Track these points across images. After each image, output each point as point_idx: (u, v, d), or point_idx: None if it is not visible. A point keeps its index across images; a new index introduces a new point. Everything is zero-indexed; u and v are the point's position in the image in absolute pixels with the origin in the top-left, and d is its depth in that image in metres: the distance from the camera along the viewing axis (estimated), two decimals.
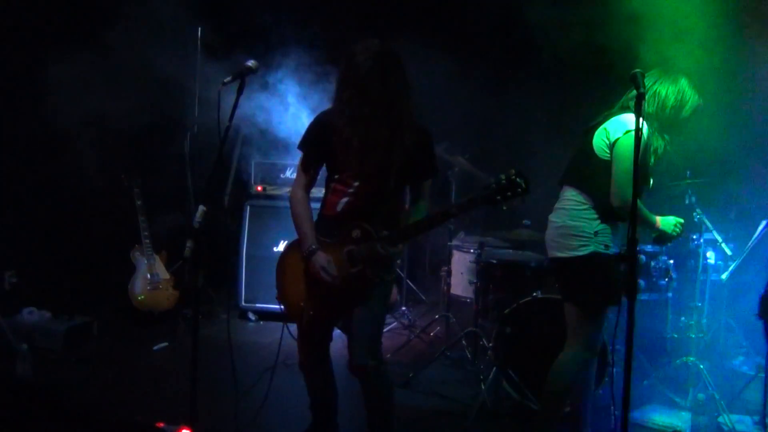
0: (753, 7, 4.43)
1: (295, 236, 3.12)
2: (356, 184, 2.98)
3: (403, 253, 3.00)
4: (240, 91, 2.96)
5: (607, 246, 3.16)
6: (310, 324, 3.06)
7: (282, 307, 3.16)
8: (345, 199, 3.00)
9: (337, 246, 2.97)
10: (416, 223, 2.90)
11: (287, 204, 3.19)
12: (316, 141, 3.06)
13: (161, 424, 3.40)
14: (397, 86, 2.86)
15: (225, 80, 2.96)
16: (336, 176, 3.05)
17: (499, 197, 2.59)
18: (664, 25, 4.13)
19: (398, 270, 6.10)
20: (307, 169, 3.11)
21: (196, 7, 5.36)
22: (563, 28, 4.81)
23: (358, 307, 2.95)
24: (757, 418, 3.88)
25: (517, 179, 2.55)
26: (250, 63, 2.97)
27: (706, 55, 4.07)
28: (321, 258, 2.93)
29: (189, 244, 2.77)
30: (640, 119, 2.57)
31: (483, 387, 4.04)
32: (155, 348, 4.97)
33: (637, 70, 2.73)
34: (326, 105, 3.15)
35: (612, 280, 3.18)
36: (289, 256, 3.16)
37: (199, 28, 3.82)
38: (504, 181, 2.59)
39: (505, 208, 2.60)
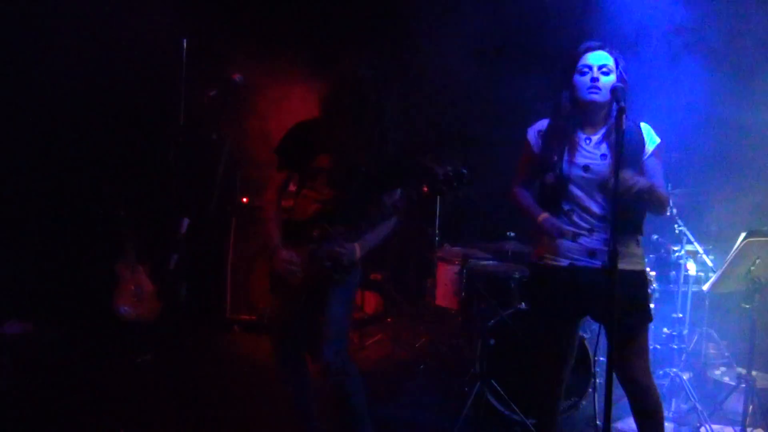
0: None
1: None
2: (327, 192, 3.04)
3: (358, 256, 3.01)
4: (225, 104, 3.01)
5: (540, 257, 3.02)
6: (279, 327, 3.13)
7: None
8: (315, 206, 3.06)
9: (300, 246, 3.03)
10: (371, 221, 2.97)
11: None
12: (291, 148, 3.11)
13: None
14: (376, 101, 2.92)
15: (210, 93, 3.01)
16: (308, 183, 3.10)
17: (444, 187, 2.68)
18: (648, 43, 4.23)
19: (383, 282, 6.15)
20: (281, 173, 3.16)
21: (181, 19, 5.41)
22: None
23: (320, 308, 3.00)
24: (738, 428, 3.87)
25: (462, 170, 2.66)
26: (236, 76, 3.02)
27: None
28: (284, 253, 2.99)
29: (173, 255, 2.80)
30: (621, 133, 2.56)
31: (467, 399, 4.01)
32: (138, 360, 4.87)
33: (617, 84, 2.75)
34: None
35: (536, 292, 3.12)
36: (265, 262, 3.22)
37: (184, 40, 3.86)
38: (451, 173, 2.68)
39: (445, 196, 2.73)
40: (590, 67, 2.83)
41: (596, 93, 2.82)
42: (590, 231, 2.87)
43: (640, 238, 2.94)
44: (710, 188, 4.55)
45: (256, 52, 5.66)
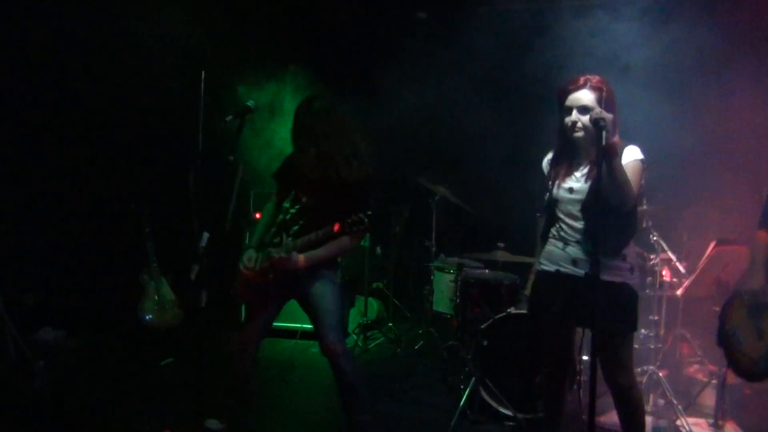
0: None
1: None
2: (297, 207, 3.54)
3: (301, 265, 3.43)
4: (240, 129, 3.28)
5: (540, 263, 3.25)
6: (249, 309, 3.65)
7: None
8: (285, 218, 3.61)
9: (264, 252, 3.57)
10: (303, 238, 3.38)
11: None
12: (280, 173, 3.70)
13: None
14: (327, 131, 3.42)
15: (227, 118, 3.30)
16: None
17: (347, 229, 3.16)
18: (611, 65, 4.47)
19: (385, 290, 6.37)
20: (277, 192, 3.72)
21: (200, 52, 5.73)
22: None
23: (316, 303, 3.47)
24: (711, 420, 4.07)
25: (365, 219, 3.13)
26: (250, 103, 3.34)
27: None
28: (245, 255, 3.54)
29: (194, 267, 3.08)
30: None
31: (463, 396, 4.16)
32: (162, 363, 5.12)
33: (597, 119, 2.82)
34: None
35: (533, 295, 3.37)
36: None
37: (203, 72, 4.23)
38: (355, 218, 3.14)
39: (348, 235, 3.22)
40: (570, 109, 2.96)
41: (578, 133, 2.98)
42: (576, 243, 3.06)
43: (624, 253, 3.05)
44: (680, 201, 4.68)
45: (265, 81, 5.99)
